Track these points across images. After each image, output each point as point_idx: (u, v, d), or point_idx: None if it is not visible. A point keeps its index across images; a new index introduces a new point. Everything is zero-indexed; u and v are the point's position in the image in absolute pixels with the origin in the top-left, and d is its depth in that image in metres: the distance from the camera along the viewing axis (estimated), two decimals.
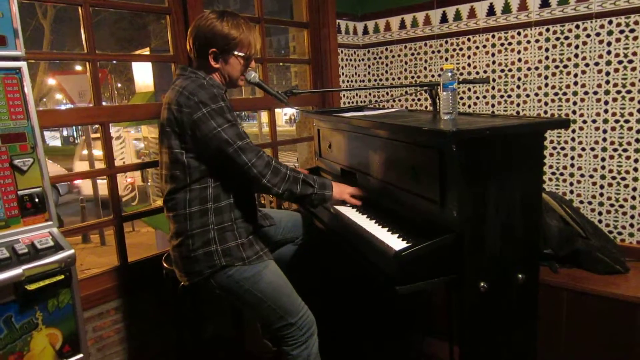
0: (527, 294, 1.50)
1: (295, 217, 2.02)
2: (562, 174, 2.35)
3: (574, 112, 2.27)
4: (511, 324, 1.50)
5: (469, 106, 2.64)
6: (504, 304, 1.46)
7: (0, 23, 1.30)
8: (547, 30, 2.29)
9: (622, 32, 2.09)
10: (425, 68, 2.80)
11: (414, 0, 2.75)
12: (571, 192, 2.34)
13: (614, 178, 2.20)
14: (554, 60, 2.30)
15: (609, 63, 2.14)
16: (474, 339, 1.46)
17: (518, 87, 2.44)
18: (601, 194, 2.25)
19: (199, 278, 1.58)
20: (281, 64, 21.37)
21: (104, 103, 1.99)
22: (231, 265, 1.55)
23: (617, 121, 2.16)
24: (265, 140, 3.18)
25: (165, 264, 1.81)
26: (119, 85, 18.55)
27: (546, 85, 2.34)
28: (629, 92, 2.11)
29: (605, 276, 1.97)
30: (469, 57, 2.59)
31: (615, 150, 2.18)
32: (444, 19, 2.65)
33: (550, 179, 2.39)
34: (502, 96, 2.50)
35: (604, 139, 2.20)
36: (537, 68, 2.36)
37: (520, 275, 1.44)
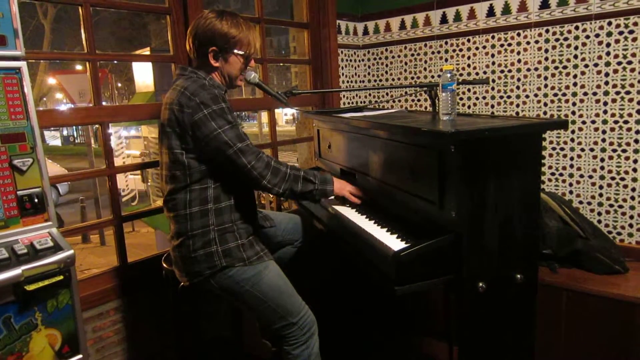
0: (526, 294, 1.50)
1: (295, 220, 2.03)
2: (561, 175, 2.35)
3: (573, 112, 2.27)
4: (510, 324, 1.50)
5: (469, 107, 2.64)
6: (502, 304, 1.46)
7: (0, 23, 1.30)
8: (547, 31, 2.30)
9: (621, 33, 2.09)
10: (425, 69, 2.80)
11: (414, 1, 2.75)
12: (570, 192, 2.34)
13: (613, 178, 2.20)
14: (553, 61, 2.30)
15: (608, 64, 2.14)
16: (472, 339, 1.46)
17: (517, 88, 2.44)
18: (600, 195, 2.25)
19: (199, 278, 1.58)
20: (281, 64, 21.38)
21: (104, 103, 1.99)
22: (231, 266, 1.55)
23: (616, 122, 2.16)
24: (265, 140, 3.18)
25: (165, 265, 1.81)
26: (119, 84, 18.55)
27: (545, 86, 2.34)
28: (628, 93, 2.11)
29: (604, 276, 1.97)
30: (468, 57, 2.60)
31: (614, 150, 2.18)
32: (443, 19, 2.66)
33: (550, 180, 2.39)
34: (501, 97, 2.50)
35: (603, 140, 2.20)
36: (536, 69, 2.36)
37: (519, 276, 1.44)
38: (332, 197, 1.79)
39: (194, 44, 1.60)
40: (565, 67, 2.27)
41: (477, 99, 2.60)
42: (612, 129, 2.17)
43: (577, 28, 2.21)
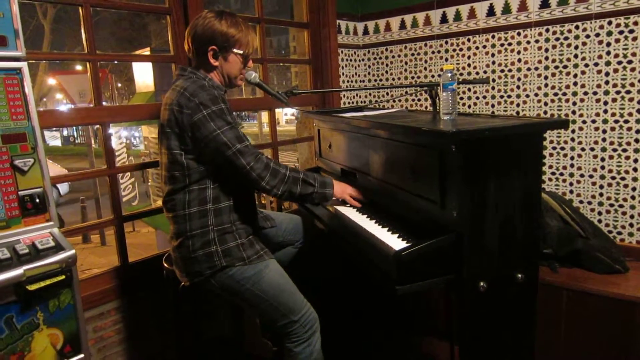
0: (527, 293, 1.50)
1: (296, 220, 2.03)
2: (561, 174, 2.36)
3: (574, 112, 2.27)
4: (511, 323, 1.50)
5: (469, 106, 2.64)
6: (503, 303, 1.46)
7: (0, 23, 1.30)
8: (547, 30, 2.30)
9: (621, 32, 2.09)
10: (425, 68, 2.80)
11: (414, 0, 2.75)
12: (571, 192, 2.34)
13: (613, 178, 2.20)
14: (553, 61, 2.30)
15: (608, 63, 2.15)
16: (473, 339, 1.46)
17: (518, 87, 2.44)
18: (601, 194, 2.25)
19: (200, 278, 1.58)
20: (281, 64, 21.38)
21: (104, 103, 1.99)
22: (232, 266, 1.56)
23: (616, 121, 2.16)
24: (265, 140, 3.18)
25: (165, 264, 1.82)
26: (119, 85, 18.56)
27: (546, 85, 2.34)
28: (628, 92, 2.11)
29: (604, 276, 1.97)
30: (468, 57, 2.60)
31: (614, 150, 2.18)
32: (444, 19, 2.66)
33: (550, 179, 2.39)
34: (501, 96, 2.50)
35: (604, 139, 2.20)
36: (536, 68, 2.36)
37: (519, 275, 1.45)
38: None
39: (193, 44, 1.61)
40: (565, 67, 2.27)
41: (477, 98, 2.60)
42: (613, 129, 2.17)
43: (577, 27, 2.21)
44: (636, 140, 2.12)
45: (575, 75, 2.25)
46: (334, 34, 2.84)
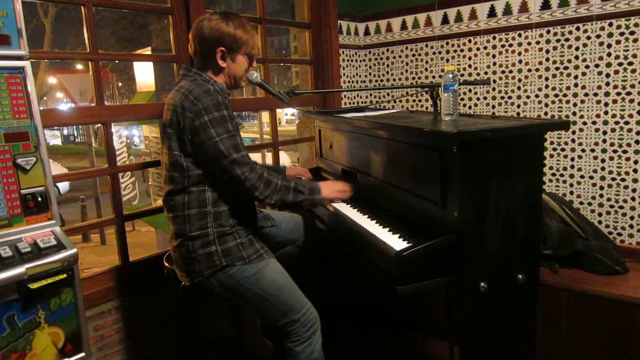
0: (527, 294, 1.50)
1: (296, 219, 2.03)
2: (562, 175, 2.36)
3: (574, 113, 2.28)
4: (511, 323, 1.51)
5: (470, 107, 2.65)
6: (504, 304, 1.47)
7: (4, 22, 1.30)
8: (548, 32, 2.30)
9: (622, 34, 2.10)
10: (426, 69, 2.81)
11: (415, 1, 2.75)
12: (571, 193, 2.34)
13: (613, 179, 2.21)
14: (554, 62, 2.31)
15: (609, 65, 2.15)
16: (474, 339, 1.46)
17: (519, 88, 2.44)
18: (601, 195, 2.25)
19: (200, 278, 1.58)
20: (282, 64, 21.37)
21: (105, 102, 1.99)
22: (232, 265, 1.56)
23: (617, 123, 2.16)
24: (266, 140, 3.17)
25: (166, 264, 1.82)
26: (120, 84, 18.56)
27: (546, 86, 2.35)
28: (628, 93, 2.12)
29: (605, 277, 1.97)
30: (469, 58, 2.60)
31: (615, 151, 2.18)
32: (445, 20, 2.66)
33: (551, 180, 2.40)
34: (502, 97, 2.51)
35: (604, 141, 2.21)
36: (537, 69, 2.37)
37: (520, 276, 1.45)
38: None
39: (199, 45, 1.60)
40: (566, 68, 2.27)
41: (478, 99, 2.61)
42: (613, 130, 2.18)
43: (578, 29, 2.21)
44: (636, 142, 2.13)
45: (575, 77, 2.25)
46: (335, 34, 2.85)
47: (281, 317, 1.59)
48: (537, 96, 2.39)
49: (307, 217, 2.08)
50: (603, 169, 2.23)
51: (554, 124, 1.79)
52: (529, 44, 2.37)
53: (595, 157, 2.24)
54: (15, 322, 1.30)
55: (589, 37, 2.19)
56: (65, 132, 23.13)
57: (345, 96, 2.95)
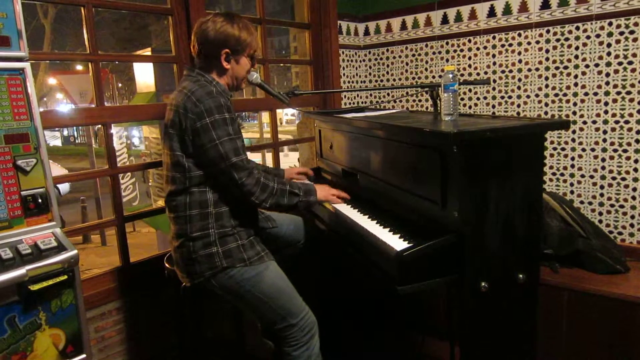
0: (528, 293, 1.50)
1: (297, 221, 2.03)
2: (562, 175, 2.36)
3: (574, 113, 2.28)
4: (512, 323, 1.51)
5: (470, 107, 2.65)
6: (504, 303, 1.47)
7: (4, 24, 1.30)
8: (548, 31, 2.30)
9: (621, 33, 2.10)
10: (426, 69, 2.81)
11: (415, 1, 2.75)
12: (571, 192, 2.34)
13: (614, 178, 2.21)
14: (554, 62, 2.31)
15: (609, 64, 2.15)
16: (474, 339, 1.46)
17: (518, 88, 2.44)
18: (601, 194, 2.25)
19: (200, 279, 1.58)
20: (282, 64, 21.36)
21: (105, 103, 1.99)
22: (232, 267, 1.56)
23: (617, 122, 2.16)
24: (266, 140, 3.17)
25: (167, 265, 1.82)
26: (120, 85, 18.56)
27: (546, 86, 2.35)
28: (628, 93, 2.12)
29: (605, 276, 1.97)
30: (469, 58, 2.60)
31: (615, 150, 2.18)
32: (445, 20, 2.66)
33: (551, 180, 2.39)
34: (502, 97, 2.51)
35: (604, 140, 2.21)
36: (537, 69, 2.37)
37: (521, 275, 1.45)
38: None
39: (203, 47, 1.60)
40: (566, 68, 2.27)
41: (478, 99, 2.61)
42: (613, 129, 2.18)
43: (577, 28, 2.21)
44: (637, 141, 2.13)
45: (575, 76, 2.25)
46: (335, 34, 2.85)
47: (279, 321, 1.59)
48: (537, 96, 2.39)
49: (307, 218, 2.08)
50: (603, 168, 2.23)
51: (554, 124, 1.79)
52: (529, 43, 2.37)
53: (596, 157, 2.24)
54: (16, 324, 1.30)
55: (588, 37, 2.19)
56: (65, 133, 23.15)
57: (345, 96, 2.95)
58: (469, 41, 2.58)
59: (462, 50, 2.62)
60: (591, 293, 1.88)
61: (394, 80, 2.98)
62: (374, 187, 1.85)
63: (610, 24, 2.12)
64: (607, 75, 2.16)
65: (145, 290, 2.06)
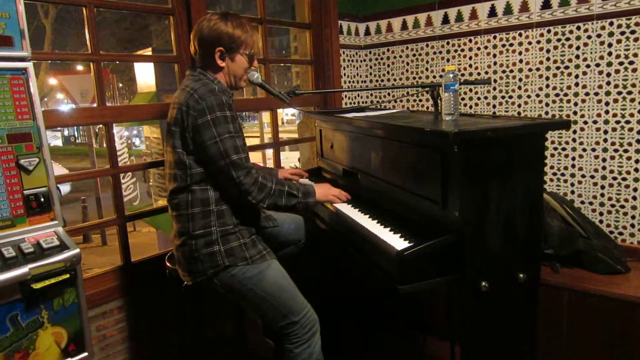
0: (528, 293, 1.51)
1: (298, 220, 2.04)
2: (563, 175, 2.36)
3: (575, 113, 2.28)
4: (512, 323, 1.51)
5: (471, 107, 2.65)
6: (505, 303, 1.47)
7: (6, 24, 1.31)
8: (549, 31, 2.30)
9: (622, 33, 2.10)
10: (426, 69, 2.81)
11: (415, 1, 2.76)
12: (572, 192, 2.35)
13: (614, 178, 2.21)
14: (555, 62, 2.31)
15: (609, 64, 2.15)
16: (475, 338, 1.47)
17: (519, 88, 2.45)
18: (602, 195, 2.25)
19: (202, 278, 1.59)
20: (282, 64, 21.36)
21: (106, 103, 2.00)
22: (234, 265, 1.57)
23: (617, 122, 2.17)
24: (267, 140, 3.18)
25: (168, 264, 1.83)
26: (120, 85, 18.57)
27: (547, 86, 2.35)
28: (629, 93, 2.12)
29: (606, 276, 1.97)
30: (470, 58, 2.60)
31: (616, 150, 2.19)
32: (445, 20, 2.66)
33: (552, 180, 2.40)
34: (503, 97, 2.51)
35: (605, 140, 2.21)
36: (538, 69, 2.37)
37: (521, 275, 1.45)
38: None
39: (199, 46, 1.62)
40: (567, 67, 2.28)
41: (478, 99, 2.61)
42: (614, 129, 2.18)
43: (578, 28, 2.22)
44: (637, 141, 2.13)
45: (576, 76, 2.25)
46: (336, 34, 2.85)
47: (281, 319, 1.60)
48: (537, 96, 2.39)
49: (308, 218, 2.08)
50: (604, 168, 2.23)
51: (555, 124, 1.79)
52: (530, 43, 2.37)
53: (596, 157, 2.24)
54: (18, 322, 1.30)
55: (589, 37, 2.19)
56: (66, 133, 23.16)
57: (345, 96, 2.95)
58: (470, 41, 2.59)
59: (462, 50, 2.63)
60: (592, 293, 1.88)
61: (395, 80, 2.98)
62: (374, 187, 1.86)
63: (611, 23, 2.12)
64: (608, 75, 2.16)
65: (147, 290, 2.07)
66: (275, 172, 2.15)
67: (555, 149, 2.36)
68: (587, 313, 1.90)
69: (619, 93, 2.14)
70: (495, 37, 2.49)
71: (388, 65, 3.00)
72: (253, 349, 2.20)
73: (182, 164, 1.56)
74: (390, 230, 1.52)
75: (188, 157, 1.55)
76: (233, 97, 1.69)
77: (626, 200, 2.19)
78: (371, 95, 3.13)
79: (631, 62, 2.09)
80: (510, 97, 2.48)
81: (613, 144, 2.19)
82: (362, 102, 3.08)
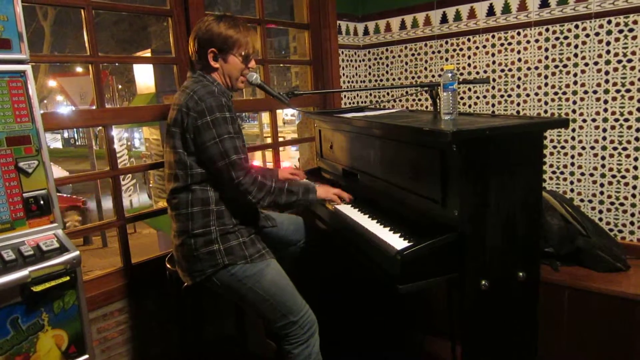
0: (528, 292, 1.51)
1: (297, 220, 2.04)
2: (562, 173, 2.36)
3: (574, 111, 2.28)
4: (512, 321, 1.51)
5: (470, 106, 2.65)
6: (505, 302, 1.47)
7: (5, 27, 1.31)
8: (547, 30, 2.30)
9: (621, 31, 2.10)
10: (425, 68, 2.81)
11: (414, 0, 2.76)
12: (571, 190, 2.35)
13: (614, 176, 2.21)
14: (553, 60, 2.31)
15: (608, 62, 2.15)
16: (475, 337, 1.47)
17: (518, 86, 2.45)
18: (601, 192, 2.26)
19: (202, 277, 1.60)
20: (281, 65, 21.37)
21: (105, 105, 2.00)
22: (234, 264, 1.57)
23: (616, 120, 2.17)
24: (267, 140, 3.18)
25: (168, 265, 1.83)
26: (120, 86, 18.57)
27: (546, 84, 2.35)
28: (628, 91, 2.12)
29: (606, 274, 1.97)
30: (469, 57, 2.60)
31: (615, 148, 2.19)
32: (444, 19, 2.67)
33: (551, 178, 2.40)
34: (502, 96, 2.51)
35: (604, 138, 2.21)
36: (537, 68, 2.37)
37: (521, 274, 1.45)
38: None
39: (195, 47, 1.65)
40: (565, 66, 2.28)
41: (477, 98, 2.61)
42: (613, 127, 2.18)
43: (577, 27, 2.22)
44: (636, 139, 2.13)
45: (575, 75, 2.25)
46: (335, 34, 2.85)
47: (280, 319, 1.60)
48: (536, 94, 2.39)
49: (307, 218, 2.08)
50: (603, 166, 2.23)
51: (554, 122, 1.79)
52: (528, 42, 2.37)
53: (596, 155, 2.24)
54: (19, 325, 1.30)
55: (588, 35, 2.19)
56: (65, 135, 23.17)
57: (345, 96, 2.95)
58: (468, 40, 2.59)
59: (461, 50, 2.63)
60: (591, 291, 1.88)
61: (394, 79, 2.98)
62: (374, 187, 1.86)
63: (609, 22, 2.12)
64: (607, 73, 2.16)
65: (147, 291, 2.07)
66: (276, 172, 2.16)
67: (555, 147, 2.36)
68: (587, 311, 1.90)
69: (618, 91, 2.15)
70: (493, 36, 2.49)
71: (387, 65, 3.00)
72: (254, 349, 2.20)
73: (182, 164, 1.57)
74: (390, 230, 1.52)
75: (189, 157, 1.57)
76: (232, 98, 1.70)
77: (625, 198, 2.19)
78: (370, 95, 3.13)
79: (629, 60, 2.10)
80: (509, 96, 2.48)
81: (612, 142, 2.19)
82: (361, 102, 3.08)
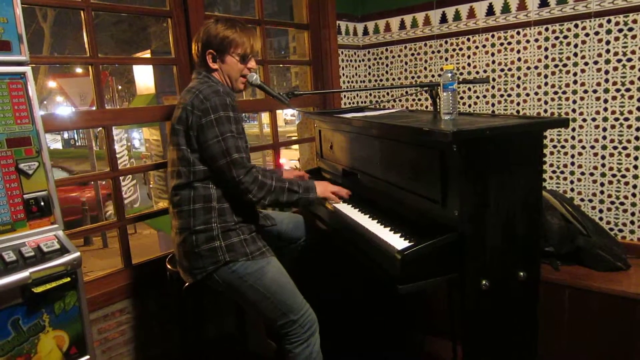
0: (529, 291, 1.51)
1: (297, 219, 2.05)
2: (562, 172, 2.36)
3: (574, 110, 2.28)
4: (513, 321, 1.51)
5: (469, 106, 2.65)
6: (505, 301, 1.47)
7: (4, 28, 1.31)
8: (547, 29, 2.31)
9: (620, 30, 2.10)
10: (425, 68, 2.81)
11: (413, 0, 2.76)
12: (572, 190, 2.35)
13: (614, 176, 2.21)
14: (553, 59, 2.31)
15: (608, 62, 2.15)
16: (476, 337, 1.47)
17: (518, 86, 2.45)
18: (602, 192, 2.26)
19: (203, 274, 1.60)
20: (281, 65, 21.37)
21: (105, 106, 2.00)
22: (235, 261, 1.59)
23: (616, 119, 2.17)
24: (267, 141, 3.18)
25: (169, 266, 1.83)
26: (119, 87, 18.57)
27: (546, 84, 2.35)
28: (628, 90, 2.12)
29: (606, 273, 1.97)
30: (468, 57, 2.60)
31: (615, 148, 2.19)
32: (443, 19, 2.67)
33: (551, 177, 2.40)
34: (502, 95, 2.51)
35: (604, 137, 2.21)
36: (536, 67, 2.37)
37: (521, 273, 1.46)
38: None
39: (196, 49, 1.69)
40: (565, 65, 2.28)
41: (477, 97, 2.61)
42: (613, 126, 2.18)
43: (576, 26, 2.22)
44: (636, 138, 2.13)
45: (575, 74, 2.26)
46: (334, 34, 2.85)
47: (280, 317, 1.61)
48: (536, 94, 2.39)
49: (307, 218, 2.09)
50: (603, 165, 2.23)
51: (554, 122, 1.79)
52: (528, 41, 2.37)
53: (596, 154, 2.24)
54: (19, 326, 1.31)
55: (587, 34, 2.19)
56: (65, 136, 23.16)
57: (344, 96, 2.95)
58: (468, 40, 2.59)
59: (461, 49, 2.63)
60: (592, 290, 1.88)
61: (393, 79, 2.99)
62: (374, 187, 1.86)
63: (609, 21, 2.12)
64: (607, 72, 2.16)
65: (148, 292, 2.07)
66: (280, 171, 2.17)
67: (555, 146, 2.36)
68: (587, 310, 1.90)
69: (618, 90, 2.15)
70: (493, 36, 2.49)
71: (387, 65, 3.00)
72: (255, 348, 2.20)
73: (185, 161, 1.59)
74: (390, 230, 1.52)
75: (192, 154, 1.59)
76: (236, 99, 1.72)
77: (626, 197, 2.19)
78: (370, 95, 3.13)
79: (629, 60, 2.10)
80: (509, 95, 2.49)
81: (612, 141, 2.19)
82: (361, 102, 3.08)
